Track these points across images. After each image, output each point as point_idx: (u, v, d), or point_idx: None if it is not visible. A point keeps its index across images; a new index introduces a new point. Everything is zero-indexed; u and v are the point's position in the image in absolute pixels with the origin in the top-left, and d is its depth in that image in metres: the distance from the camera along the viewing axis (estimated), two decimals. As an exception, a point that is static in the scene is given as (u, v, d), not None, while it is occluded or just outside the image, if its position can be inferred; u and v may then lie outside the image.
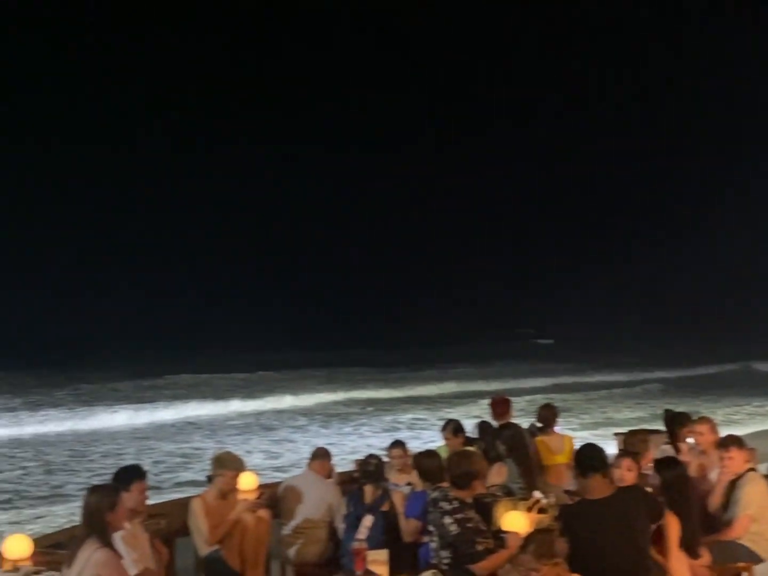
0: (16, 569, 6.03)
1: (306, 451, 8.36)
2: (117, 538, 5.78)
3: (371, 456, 7.83)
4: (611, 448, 7.62)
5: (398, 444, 8.63)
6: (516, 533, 6.05)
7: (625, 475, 6.54)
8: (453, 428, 8.78)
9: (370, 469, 7.58)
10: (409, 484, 7.89)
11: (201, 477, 14.48)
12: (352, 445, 20.65)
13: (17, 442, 22.16)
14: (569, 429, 15.77)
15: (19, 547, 6.19)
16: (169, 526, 7.21)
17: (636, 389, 34.36)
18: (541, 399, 16.62)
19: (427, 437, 19.00)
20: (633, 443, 7.73)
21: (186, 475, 17.13)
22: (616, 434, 9.78)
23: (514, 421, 9.24)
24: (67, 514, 12.14)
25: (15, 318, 57.00)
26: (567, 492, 7.76)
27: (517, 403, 11.00)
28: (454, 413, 21.24)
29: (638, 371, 40.68)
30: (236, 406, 29.08)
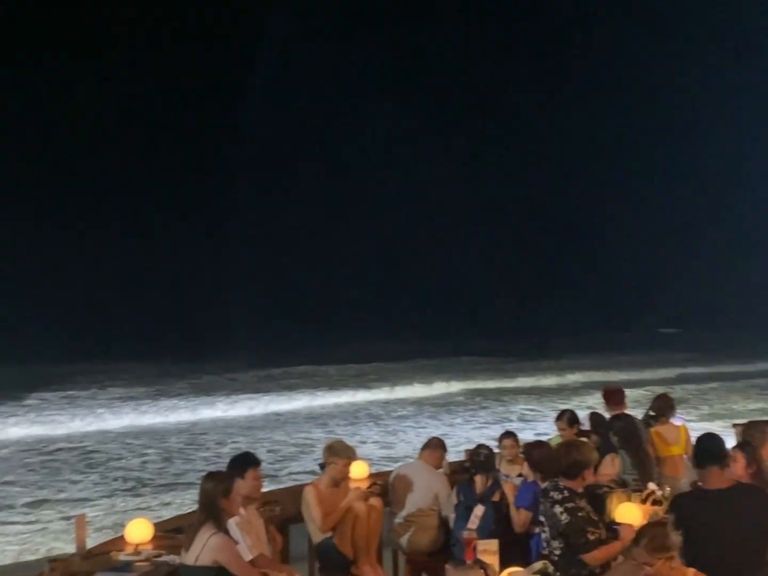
0: (138, 552, 6.28)
1: (419, 442, 8.39)
2: (232, 523, 5.93)
3: (482, 446, 7.81)
4: (731, 440, 7.42)
5: (509, 435, 8.58)
6: (629, 525, 5.95)
7: (740, 468, 6.35)
8: (568, 418, 8.65)
9: (481, 459, 7.56)
10: (520, 475, 7.84)
11: (315, 467, 14.76)
12: (465, 435, 20.62)
13: (138, 432, 22.90)
14: (688, 420, 15.38)
15: (141, 531, 6.45)
16: (283, 513, 7.37)
17: (759, 380, 33.24)
18: (661, 390, 16.25)
19: (539, 429, 18.84)
20: (752, 434, 7.50)
21: (300, 465, 17.42)
22: (735, 425, 9.51)
23: (630, 412, 9.06)
24: (191, 501, 12.48)
25: (141, 309, 58.70)
26: (684, 484, 7.59)
27: (635, 393, 10.80)
28: (568, 405, 20.95)
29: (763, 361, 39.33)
30: (348, 396, 29.32)
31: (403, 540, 7.76)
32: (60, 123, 69.88)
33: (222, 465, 6.24)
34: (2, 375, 37.56)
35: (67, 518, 13.12)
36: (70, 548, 6.49)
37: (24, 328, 50.98)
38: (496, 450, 8.12)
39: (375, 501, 7.45)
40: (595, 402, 16.64)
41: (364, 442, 19.62)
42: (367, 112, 79.36)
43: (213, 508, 5.63)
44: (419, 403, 28.26)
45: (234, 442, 20.73)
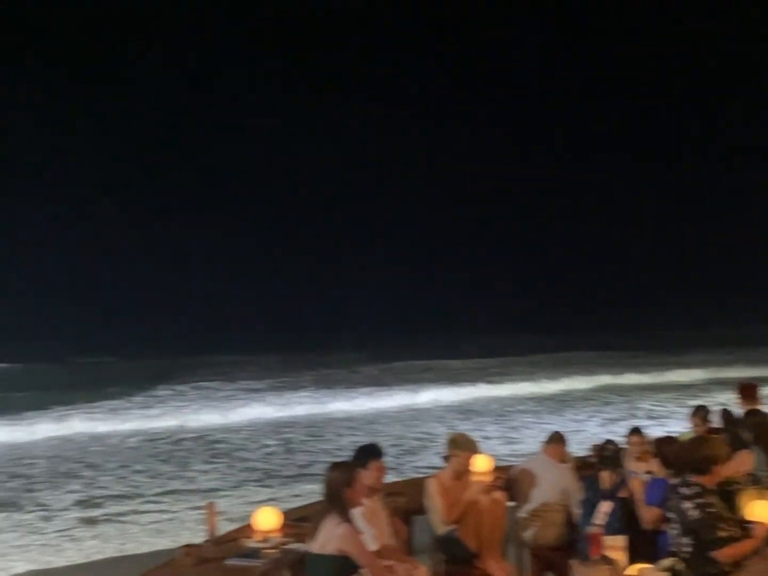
0: (266, 540, 6.41)
1: (542, 438, 8.31)
2: (357, 514, 5.99)
3: (608, 441, 7.68)
4: None
5: (637, 431, 8.41)
6: (762, 523, 5.76)
7: None
8: (703, 415, 8.48)
9: (608, 454, 7.44)
10: (648, 472, 7.67)
11: (436, 461, 14.77)
12: (591, 431, 20.30)
13: (262, 423, 23.35)
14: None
15: (269, 519, 6.59)
16: (406, 504, 7.41)
17: None
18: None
19: (668, 426, 18.37)
20: None
21: (421, 459, 17.47)
22: None
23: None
24: (315, 493, 12.65)
25: (267, 303, 59.86)
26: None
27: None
28: (697, 401, 20.37)
29: None
30: (470, 391, 29.20)
31: (528, 534, 7.71)
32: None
33: (342, 457, 6.31)
34: (133, 367, 39.10)
35: (196, 508, 13.56)
36: (199, 537, 6.68)
37: (154, 321, 52.86)
38: (623, 446, 7.97)
39: (498, 495, 7.42)
40: (725, 399, 16.16)
41: (486, 438, 19.54)
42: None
43: (337, 498, 5.70)
44: (542, 398, 27.98)
45: (354, 434, 20.99)
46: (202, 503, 13.73)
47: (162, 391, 30.14)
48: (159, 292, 60.27)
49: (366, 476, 6.25)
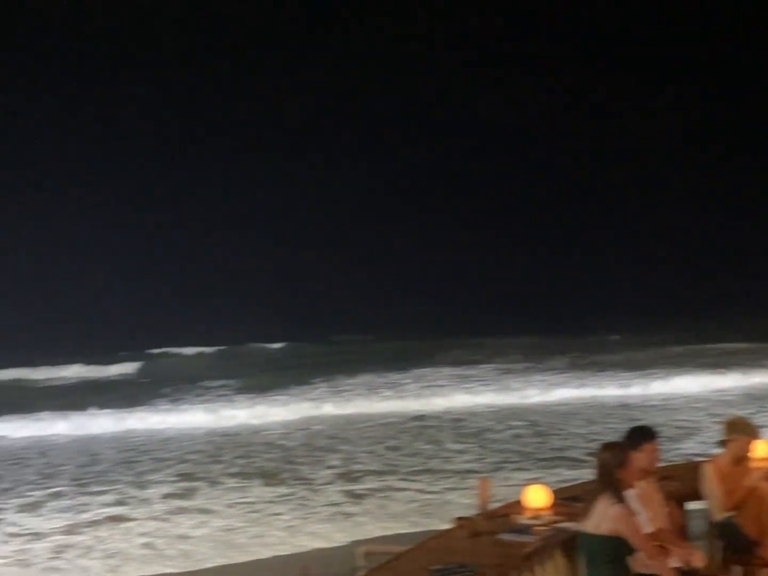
0: (537, 517, 6.45)
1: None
2: (631, 495, 5.89)
3: None
4: None
5: None
6: None
7: None
8: None
9: None
10: None
11: (704, 449, 14.27)
12: None
13: (514, 409, 23.20)
14: None
15: (540, 497, 6.63)
16: (680, 488, 7.20)
17: None
18: None
19: None
20: None
21: (688, 447, 16.74)
22: None
23: None
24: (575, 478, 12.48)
25: (521, 286, 59.50)
26: None
27: None
28: None
29: None
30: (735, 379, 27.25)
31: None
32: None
33: (602, 442, 6.15)
34: (390, 347, 40.35)
35: (454, 489, 13.82)
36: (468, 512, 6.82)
37: (416, 303, 54.31)
38: None
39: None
40: None
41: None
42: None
43: (610, 479, 5.65)
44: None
45: (612, 420, 20.38)
46: (462, 484, 14.13)
47: (416, 371, 30.80)
48: (421, 273, 62.13)
49: (639, 458, 6.14)
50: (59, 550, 11.66)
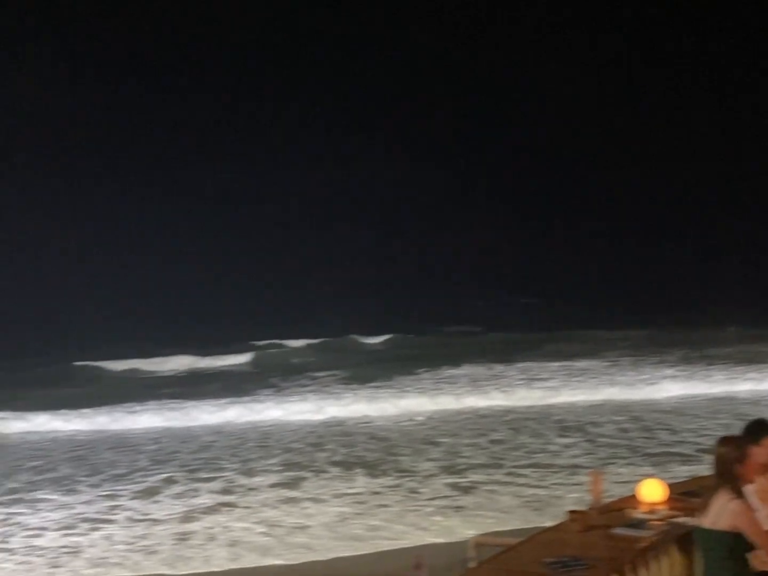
0: (652, 512, 6.37)
1: None
2: (750, 491, 5.78)
3: None
4: None
5: None
6: None
7: None
8: None
9: None
10: None
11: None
12: None
13: (621, 403, 22.75)
14: None
15: (655, 491, 6.55)
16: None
17: None
18: None
19: None
20: None
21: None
22: None
23: None
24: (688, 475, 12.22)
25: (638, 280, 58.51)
26: None
27: None
28: None
29: None
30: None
31: None
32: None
33: (716, 437, 6.01)
34: (499, 339, 40.10)
35: (561, 484, 13.74)
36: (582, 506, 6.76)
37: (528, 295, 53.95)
38: None
39: None
40: None
41: None
42: None
43: (728, 474, 5.57)
44: None
45: (721, 415, 19.86)
46: (570, 479, 14.00)
47: (522, 364, 30.52)
48: (532, 266, 61.84)
49: (759, 453, 6.01)
50: (181, 538, 11.93)
